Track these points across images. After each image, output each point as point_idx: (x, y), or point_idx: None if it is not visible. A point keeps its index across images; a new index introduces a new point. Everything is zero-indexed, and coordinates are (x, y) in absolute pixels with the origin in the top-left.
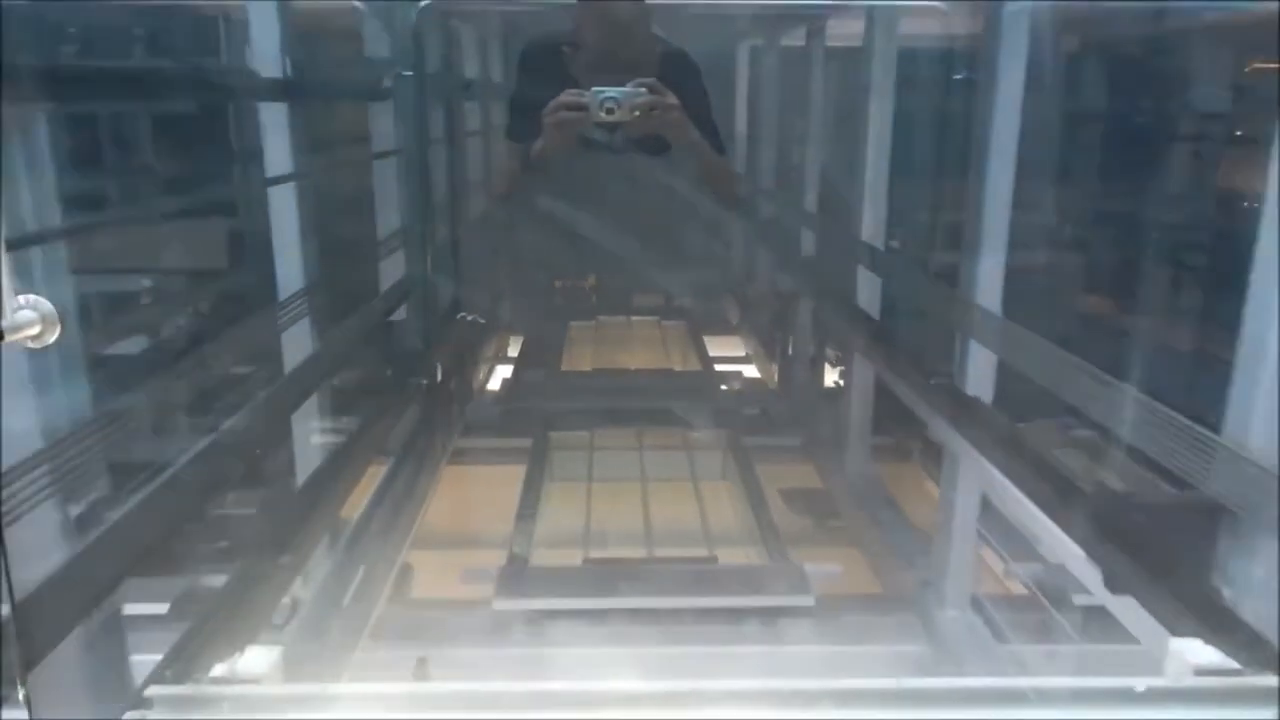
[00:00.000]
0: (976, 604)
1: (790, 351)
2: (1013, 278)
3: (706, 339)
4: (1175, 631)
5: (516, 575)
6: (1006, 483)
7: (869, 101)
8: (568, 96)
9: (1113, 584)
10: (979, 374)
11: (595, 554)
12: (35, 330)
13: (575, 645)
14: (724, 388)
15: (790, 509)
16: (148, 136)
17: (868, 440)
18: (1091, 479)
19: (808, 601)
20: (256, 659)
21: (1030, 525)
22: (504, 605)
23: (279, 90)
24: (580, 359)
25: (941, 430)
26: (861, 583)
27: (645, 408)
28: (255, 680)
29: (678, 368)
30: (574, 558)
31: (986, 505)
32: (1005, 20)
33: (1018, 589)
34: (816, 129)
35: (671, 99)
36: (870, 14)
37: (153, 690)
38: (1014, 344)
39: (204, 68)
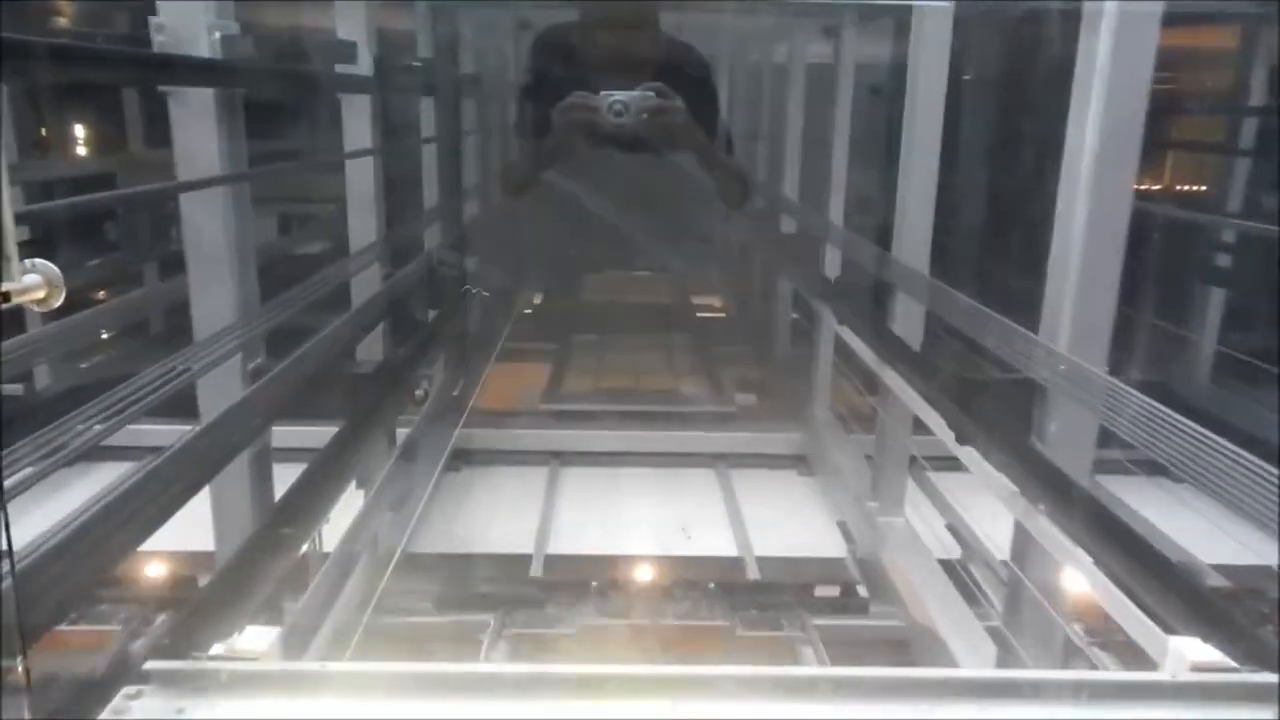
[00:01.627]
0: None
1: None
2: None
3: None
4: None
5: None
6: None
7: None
8: (577, 98)
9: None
10: (899, 311)
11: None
12: (41, 294)
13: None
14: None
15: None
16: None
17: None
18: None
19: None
20: (256, 638)
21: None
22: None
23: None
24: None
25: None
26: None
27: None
28: (254, 658)
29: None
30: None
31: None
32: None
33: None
34: (794, 133)
35: (678, 102)
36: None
37: (150, 665)
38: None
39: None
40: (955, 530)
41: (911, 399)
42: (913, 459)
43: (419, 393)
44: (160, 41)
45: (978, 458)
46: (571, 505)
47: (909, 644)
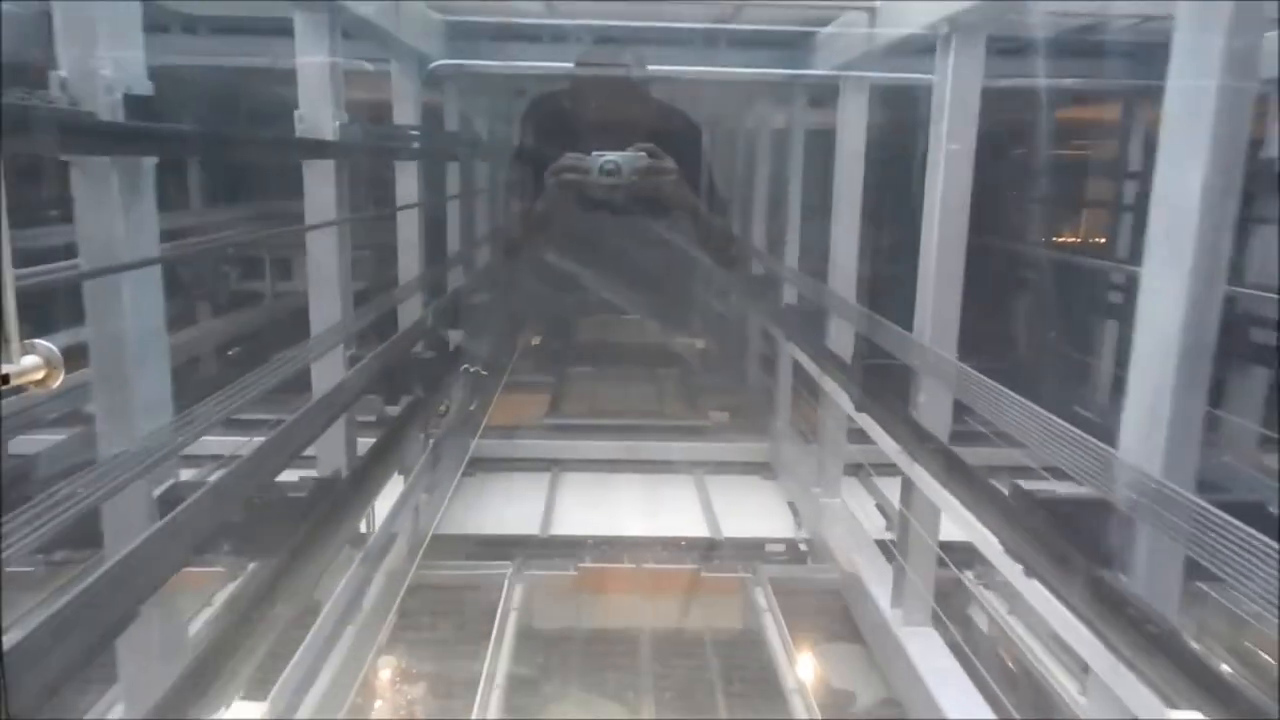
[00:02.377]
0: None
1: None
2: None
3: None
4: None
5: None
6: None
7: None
8: (569, 159)
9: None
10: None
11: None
12: (40, 375)
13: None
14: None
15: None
16: None
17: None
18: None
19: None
20: (242, 713)
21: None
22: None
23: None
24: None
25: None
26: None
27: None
28: None
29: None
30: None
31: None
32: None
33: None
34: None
35: (669, 163)
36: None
37: None
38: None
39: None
40: (881, 508)
41: (836, 394)
42: (859, 466)
43: (441, 409)
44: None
45: (871, 422)
46: (569, 502)
47: (840, 590)
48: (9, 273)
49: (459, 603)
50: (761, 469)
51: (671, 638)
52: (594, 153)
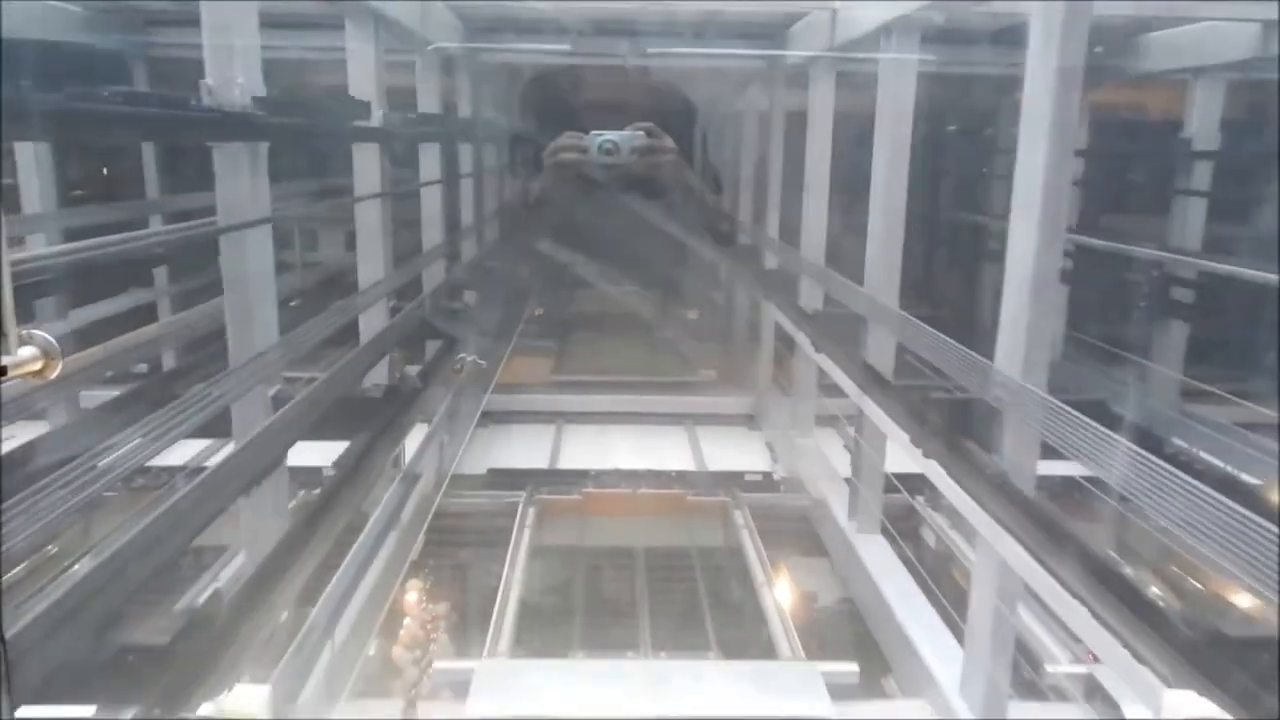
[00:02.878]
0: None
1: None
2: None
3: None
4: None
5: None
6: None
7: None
8: (567, 139)
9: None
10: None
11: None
12: (37, 366)
13: None
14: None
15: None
16: None
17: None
18: None
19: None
20: (245, 697)
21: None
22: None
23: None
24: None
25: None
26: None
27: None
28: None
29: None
30: None
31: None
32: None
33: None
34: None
35: (668, 142)
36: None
37: None
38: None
39: None
40: (847, 448)
41: (805, 345)
42: (835, 418)
43: (457, 365)
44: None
45: (830, 363)
46: (572, 445)
47: (808, 514)
48: (6, 264)
49: (480, 525)
50: (746, 420)
51: (662, 550)
52: (592, 132)
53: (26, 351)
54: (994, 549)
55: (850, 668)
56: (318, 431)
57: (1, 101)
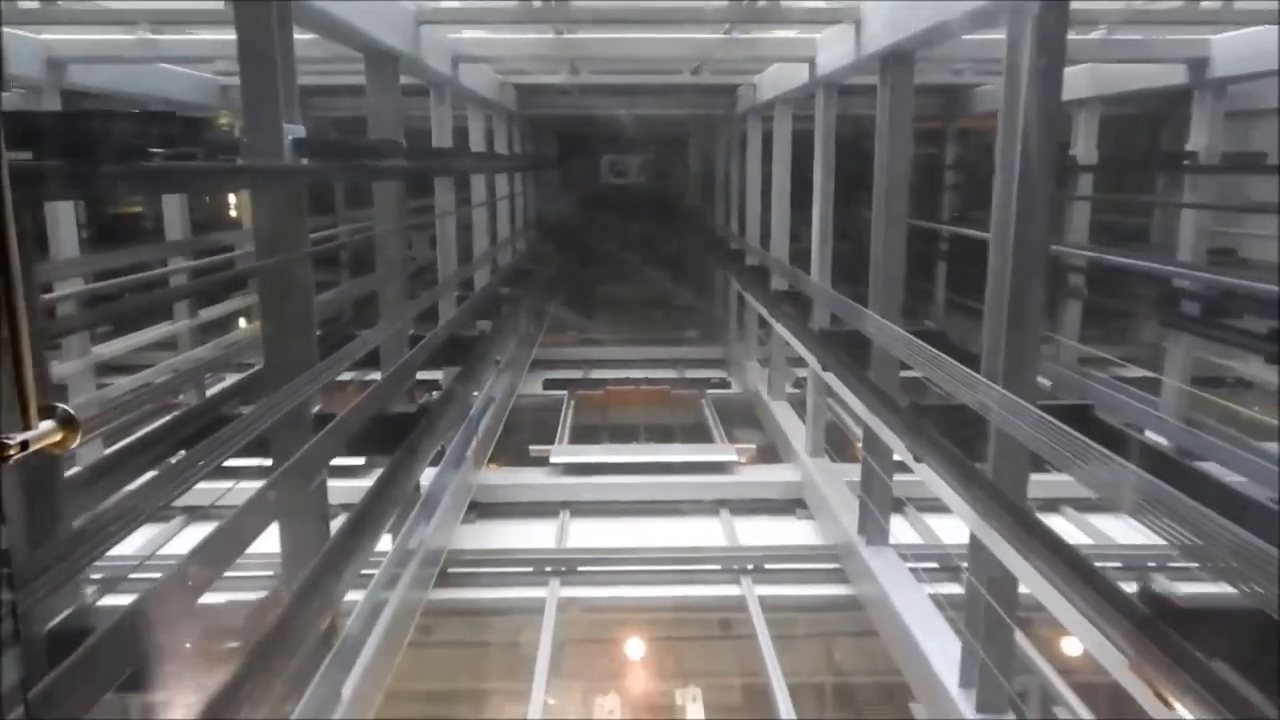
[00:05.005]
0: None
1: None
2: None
3: None
4: None
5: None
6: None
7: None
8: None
9: (774, 315)
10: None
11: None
12: (57, 438)
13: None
14: None
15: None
16: None
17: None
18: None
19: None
20: None
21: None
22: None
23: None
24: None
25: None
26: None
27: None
28: None
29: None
30: None
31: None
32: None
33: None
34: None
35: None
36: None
37: None
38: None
39: None
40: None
41: (762, 313)
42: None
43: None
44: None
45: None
46: (599, 371)
47: (750, 403)
48: (27, 338)
49: (547, 405)
50: (718, 363)
51: (657, 426)
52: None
53: (46, 425)
54: (822, 378)
55: (751, 446)
56: (443, 357)
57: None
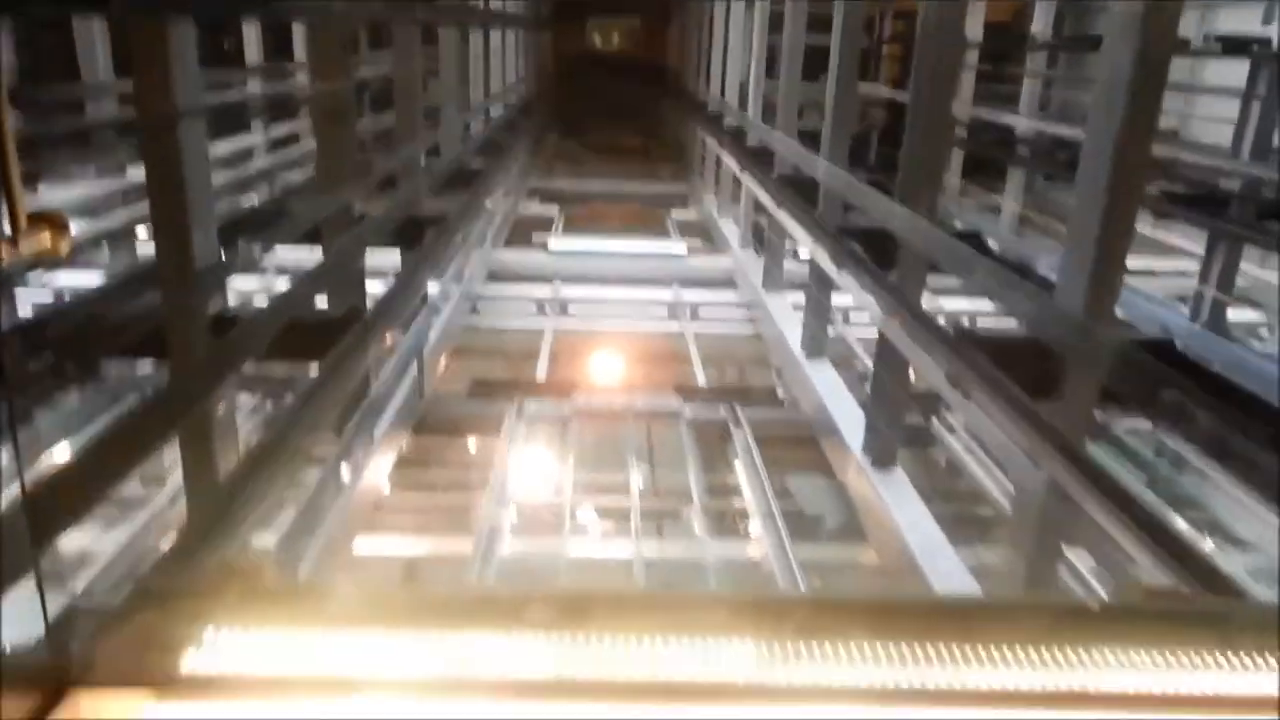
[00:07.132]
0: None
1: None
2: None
3: None
4: None
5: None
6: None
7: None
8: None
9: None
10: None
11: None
12: (47, 244)
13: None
14: None
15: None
16: None
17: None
18: None
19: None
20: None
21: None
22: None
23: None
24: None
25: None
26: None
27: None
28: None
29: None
30: None
31: None
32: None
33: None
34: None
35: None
36: None
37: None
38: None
39: None
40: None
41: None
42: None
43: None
44: None
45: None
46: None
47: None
48: (12, 143)
49: (541, 215)
50: (680, 198)
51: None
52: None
53: (36, 228)
54: (757, 193)
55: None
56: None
57: None
